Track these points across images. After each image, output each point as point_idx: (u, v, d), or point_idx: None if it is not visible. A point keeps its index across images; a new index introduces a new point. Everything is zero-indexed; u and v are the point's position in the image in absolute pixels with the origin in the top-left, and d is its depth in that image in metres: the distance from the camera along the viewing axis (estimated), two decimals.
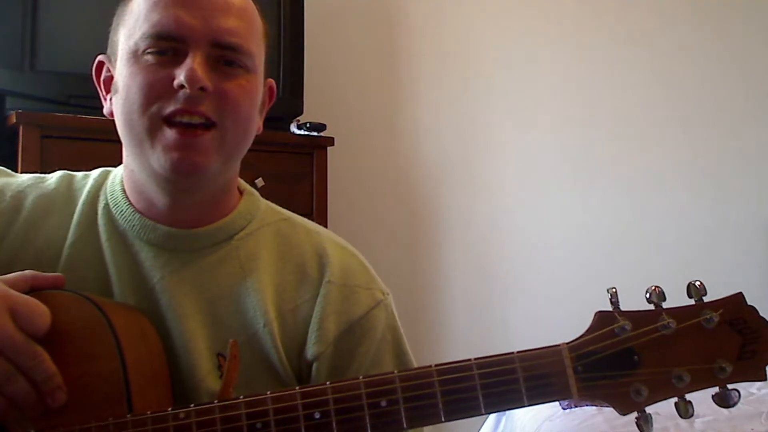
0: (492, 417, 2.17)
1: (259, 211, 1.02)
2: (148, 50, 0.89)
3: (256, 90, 0.95)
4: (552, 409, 1.97)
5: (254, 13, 0.96)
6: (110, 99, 0.96)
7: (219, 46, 0.90)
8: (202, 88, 0.88)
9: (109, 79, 0.96)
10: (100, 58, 0.99)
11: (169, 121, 0.88)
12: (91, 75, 1.00)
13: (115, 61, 0.95)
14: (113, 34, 0.96)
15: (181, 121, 0.88)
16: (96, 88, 1.00)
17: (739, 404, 2.00)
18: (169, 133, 0.88)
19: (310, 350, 0.95)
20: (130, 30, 0.91)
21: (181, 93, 0.87)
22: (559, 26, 2.91)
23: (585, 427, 1.86)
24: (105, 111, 0.97)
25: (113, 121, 0.96)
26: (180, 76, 0.87)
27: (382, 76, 2.95)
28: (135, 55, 0.90)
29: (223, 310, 0.95)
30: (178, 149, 0.88)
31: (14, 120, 1.94)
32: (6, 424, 0.82)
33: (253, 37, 0.94)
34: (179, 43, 0.89)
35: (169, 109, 0.88)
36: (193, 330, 0.93)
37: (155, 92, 0.88)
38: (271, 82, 1.04)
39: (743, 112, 2.85)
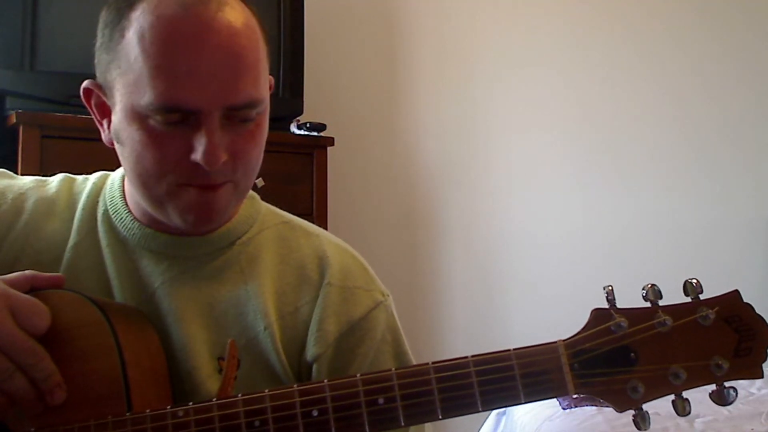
0: (492, 417, 2.17)
1: (259, 215, 1.02)
2: (155, 118, 0.83)
3: (264, 128, 0.91)
4: (552, 409, 1.97)
5: (257, 42, 0.88)
6: (107, 127, 0.92)
7: (234, 108, 0.85)
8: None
9: (103, 105, 0.91)
10: (86, 85, 0.92)
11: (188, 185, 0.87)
12: (80, 97, 0.94)
13: (112, 99, 0.88)
14: (105, 69, 0.88)
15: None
16: (89, 111, 0.95)
17: (739, 404, 2.00)
18: (190, 193, 0.87)
19: (310, 351, 0.95)
20: (130, 86, 0.84)
21: (199, 168, 0.84)
22: (559, 26, 2.91)
23: (585, 427, 1.86)
24: (104, 140, 0.93)
25: None
26: (198, 154, 0.83)
27: (382, 76, 2.96)
28: (140, 118, 0.84)
29: (224, 314, 0.95)
30: (197, 209, 0.88)
31: (14, 120, 1.94)
32: (5, 422, 0.82)
33: (261, 73, 0.88)
34: (188, 115, 0.83)
35: (187, 181, 0.86)
36: (194, 334, 0.93)
37: (170, 164, 0.85)
38: (270, 78, 0.98)
39: (743, 112, 2.85)
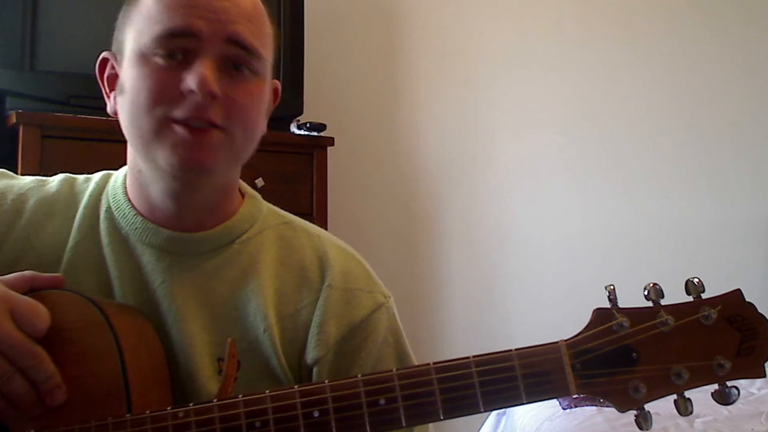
0: (492, 416, 2.17)
1: (261, 214, 1.02)
2: (158, 52, 0.87)
3: (263, 95, 0.94)
4: (552, 409, 1.97)
5: (265, 18, 0.95)
6: (114, 98, 0.95)
7: (233, 43, 0.89)
8: (211, 93, 0.86)
9: (113, 77, 0.95)
10: (104, 54, 0.98)
11: (177, 122, 0.87)
12: (95, 72, 0.99)
13: (122, 60, 0.93)
14: (119, 33, 0.94)
15: (190, 123, 0.87)
16: (99, 84, 0.99)
17: (739, 404, 2.00)
18: (178, 130, 0.87)
19: (311, 354, 0.95)
20: (139, 30, 0.89)
21: (190, 98, 0.86)
22: (559, 27, 2.91)
23: (585, 427, 1.86)
24: (109, 109, 0.96)
25: (114, 121, 0.95)
26: (189, 81, 0.86)
27: (382, 76, 2.96)
28: (144, 57, 0.88)
29: (224, 315, 0.95)
30: (186, 147, 0.87)
31: (14, 120, 1.94)
32: (6, 424, 0.82)
33: (264, 40, 0.93)
34: (191, 40, 0.87)
35: (177, 114, 0.87)
36: (194, 335, 0.93)
37: (164, 96, 0.87)
38: (276, 83, 1.02)
39: (743, 112, 2.85)
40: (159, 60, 0.87)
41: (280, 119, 2.35)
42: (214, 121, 0.87)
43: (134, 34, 0.90)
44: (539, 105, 2.89)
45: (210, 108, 0.87)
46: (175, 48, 0.87)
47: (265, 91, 0.94)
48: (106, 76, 0.97)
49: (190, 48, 0.87)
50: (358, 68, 2.92)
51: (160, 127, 0.87)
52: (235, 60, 0.89)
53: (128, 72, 0.90)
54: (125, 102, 0.91)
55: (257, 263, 0.97)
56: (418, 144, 2.94)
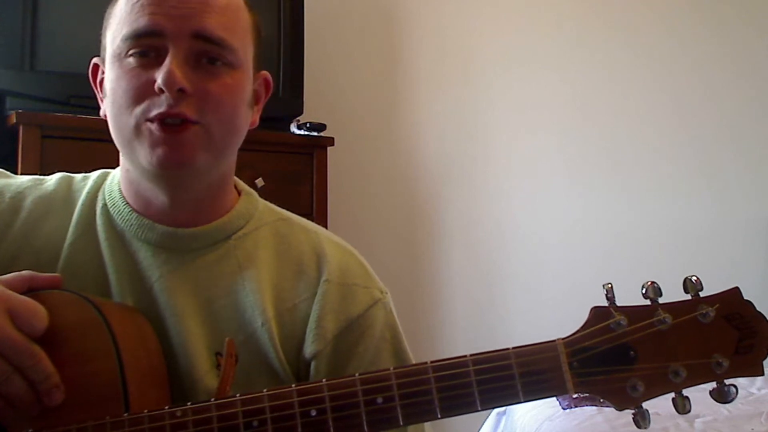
0: (492, 417, 2.17)
1: (257, 210, 1.03)
2: (130, 52, 0.89)
3: (241, 86, 0.94)
4: (552, 409, 1.97)
5: (238, 8, 0.95)
6: (103, 101, 0.97)
7: (200, 38, 0.89)
8: (181, 90, 0.87)
9: (103, 82, 0.97)
10: (94, 60, 0.99)
11: (153, 120, 0.88)
12: (88, 78, 1.01)
13: (104, 63, 0.96)
14: (102, 38, 0.96)
15: (165, 121, 0.88)
16: (93, 90, 1.00)
17: (738, 404, 2.01)
18: (153, 130, 0.88)
19: (309, 348, 0.95)
20: (114, 33, 0.92)
21: (162, 96, 0.87)
22: (559, 27, 2.91)
23: (585, 427, 1.85)
24: (101, 113, 0.97)
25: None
26: (158, 79, 0.87)
27: (382, 76, 2.96)
28: (118, 58, 0.90)
29: (221, 309, 0.95)
30: (163, 145, 0.88)
31: (14, 120, 1.94)
32: (4, 424, 0.82)
33: (237, 31, 0.93)
34: (158, 39, 0.88)
35: (153, 112, 0.88)
36: (191, 329, 0.93)
37: (139, 95, 0.88)
38: (266, 74, 1.03)
39: (743, 112, 2.85)
40: (132, 60, 0.89)
41: (280, 119, 2.35)
42: (188, 116, 0.88)
43: (111, 37, 0.93)
44: (539, 105, 2.89)
45: (182, 104, 0.88)
46: (145, 47, 0.89)
47: (243, 82, 0.94)
48: (98, 81, 0.99)
49: (159, 46, 0.88)
50: (358, 68, 2.92)
51: (138, 128, 0.89)
52: (205, 54, 0.90)
53: (108, 75, 0.93)
54: (108, 104, 0.93)
55: (254, 258, 0.98)
56: (418, 144, 2.94)
